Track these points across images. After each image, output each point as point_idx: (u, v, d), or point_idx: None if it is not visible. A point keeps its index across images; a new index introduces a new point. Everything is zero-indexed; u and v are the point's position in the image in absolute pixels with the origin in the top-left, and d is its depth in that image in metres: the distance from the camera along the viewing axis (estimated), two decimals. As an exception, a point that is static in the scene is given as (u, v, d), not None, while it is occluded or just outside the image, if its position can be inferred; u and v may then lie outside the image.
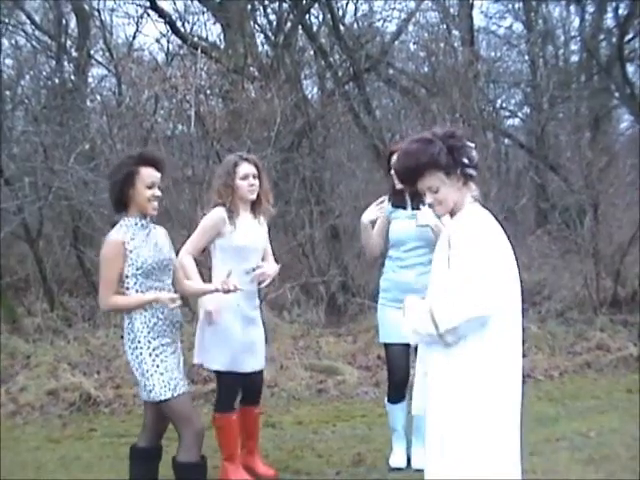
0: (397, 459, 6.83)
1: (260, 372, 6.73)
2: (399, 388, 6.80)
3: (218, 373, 6.56)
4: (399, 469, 6.75)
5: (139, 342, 5.22)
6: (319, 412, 8.89)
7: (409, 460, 6.79)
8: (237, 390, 6.59)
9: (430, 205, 4.34)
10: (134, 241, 5.21)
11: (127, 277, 5.24)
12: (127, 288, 5.27)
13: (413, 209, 6.67)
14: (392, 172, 6.60)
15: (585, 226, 13.30)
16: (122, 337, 5.50)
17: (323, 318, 12.25)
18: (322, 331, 11.84)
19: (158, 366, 5.22)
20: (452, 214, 4.28)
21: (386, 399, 6.97)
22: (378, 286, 7.07)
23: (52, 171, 12.11)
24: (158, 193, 5.30)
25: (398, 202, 6.78)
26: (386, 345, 6.86)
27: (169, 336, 5.32)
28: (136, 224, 5.27)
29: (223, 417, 6.52)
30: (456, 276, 4.03)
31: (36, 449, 7.74)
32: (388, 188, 6.97)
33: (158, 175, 5.31)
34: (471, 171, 4.20)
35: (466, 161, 4.17)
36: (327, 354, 10.80)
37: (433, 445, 4.19)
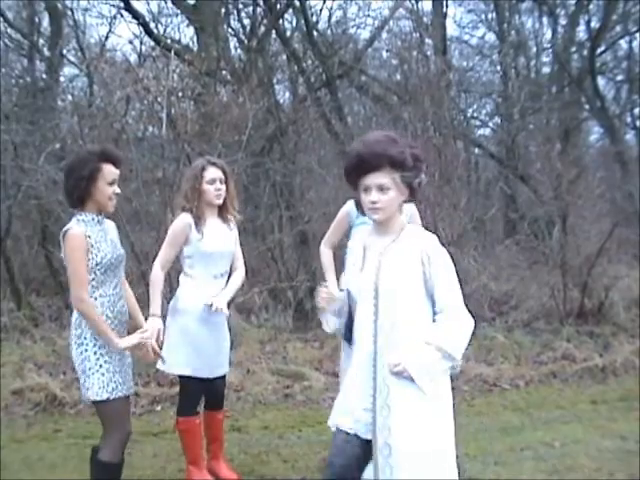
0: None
1: (223, 377, 6.69)
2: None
3: (180, 377, 6.55)
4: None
5: (85, 338, 5.19)
6: (285, 417, 8.88)
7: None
8: (199, 395, 6.56)
9: (373, 203, 4.18)
10: (94, 235, 5.20)
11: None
12: None
13: None
14: None
15: (553, 237, 13.36)
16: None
17: (291, 323, 12.22)
18: (289, 336, 11.82)
19: (101, 366, 5.20)
20: (385, 228, 4.28)
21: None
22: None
23: (22, 170, 12.05)
24: (118, 190, 5.30)
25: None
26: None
27: (117, 335, 5.29)
28: (93, 219, 5.25)
29: (186, 421, 6.50)
30: (447, 298, 4.08)
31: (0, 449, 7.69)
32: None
33: (117, 172, 5.31)
34: (416, 187, 4.22)
35: (419, 179, 4.20)
36: (294, 359, 10.78)
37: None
